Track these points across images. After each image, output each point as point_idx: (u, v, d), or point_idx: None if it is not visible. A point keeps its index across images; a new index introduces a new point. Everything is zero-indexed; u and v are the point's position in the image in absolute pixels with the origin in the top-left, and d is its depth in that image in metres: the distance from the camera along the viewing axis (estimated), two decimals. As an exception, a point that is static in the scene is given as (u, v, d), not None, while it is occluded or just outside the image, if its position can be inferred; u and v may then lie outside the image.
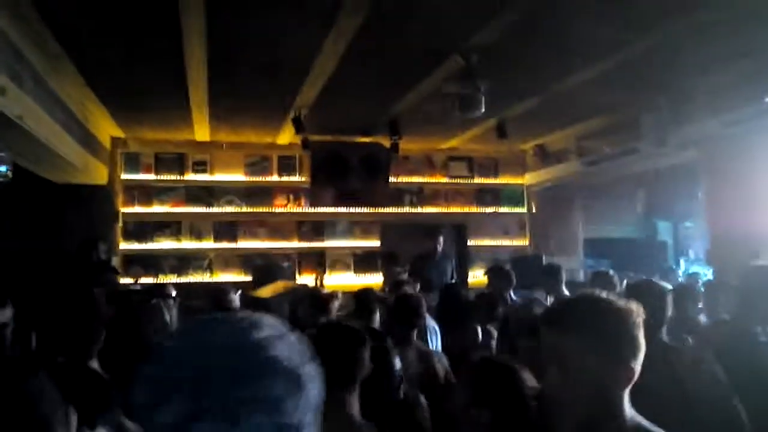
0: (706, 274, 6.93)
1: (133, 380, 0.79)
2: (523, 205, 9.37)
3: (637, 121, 6.54)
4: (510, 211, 9.33)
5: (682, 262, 9.45)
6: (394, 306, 3.66)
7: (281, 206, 8.48)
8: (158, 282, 7.33)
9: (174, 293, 5.48)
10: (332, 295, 4.35)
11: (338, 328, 2.35)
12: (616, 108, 6.59)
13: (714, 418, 2.37)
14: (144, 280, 7.49)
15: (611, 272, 4.72)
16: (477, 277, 8.41)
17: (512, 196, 9.35)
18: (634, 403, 1.48)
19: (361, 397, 2.15)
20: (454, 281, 6.56)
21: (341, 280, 8.23)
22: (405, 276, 5.88)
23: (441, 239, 6.74)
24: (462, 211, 9.15)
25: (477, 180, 9.24)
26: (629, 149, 6.81)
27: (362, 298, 4.02)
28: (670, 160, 7.00)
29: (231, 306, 4.31)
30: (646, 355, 1.46)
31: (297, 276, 8.08)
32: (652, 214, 9.45)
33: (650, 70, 5.38)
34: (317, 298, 4.35)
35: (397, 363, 2.56)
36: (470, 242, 9.05)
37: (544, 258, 7.76)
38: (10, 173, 4.46)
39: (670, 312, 2.73)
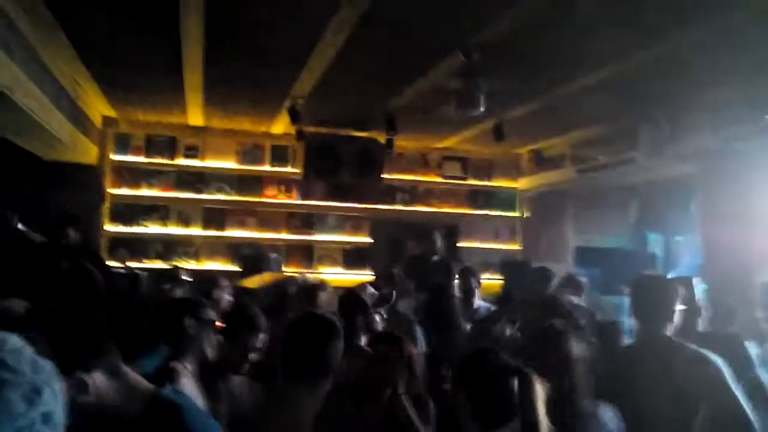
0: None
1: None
2: (515, 210, 9.32)
3: (634, 131, 6.49)
4: (502, 214, 9.27)
5: (671, 276, 9.41)
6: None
7: (272, 196, 8.37)
8: (169, 266, 6.96)
9: (187, 278, 5.30)
10: (320, 286, 4.24)
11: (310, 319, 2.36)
12: (614, 117, 6.54)
13: (720, 415, 2.34)
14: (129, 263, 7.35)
15: (581, 277, 5.13)
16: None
17: (505, 199, 9.29)
18: (631, 395, 1.43)
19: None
20: (444, 282, 6.48)
21: (329, 275, 8.12)
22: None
23: (438, 240, 6.64)
24: (454, 211, 9.08)
25: (470, 181, 9.18)
26: (625, 159, 6.75)
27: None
28: (665, 172, 6.95)
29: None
30: (647, 349, 1.42)
31: (284, 268, 7.98)
32: (644, 225, 9.41)
33: (652, 81, 5.33)
34: (305, 289, 4.25)
35: None
36: (461, 244, 8.98)
37: (532, 264, 7.68)
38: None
39: (675, 308, 2.67)
